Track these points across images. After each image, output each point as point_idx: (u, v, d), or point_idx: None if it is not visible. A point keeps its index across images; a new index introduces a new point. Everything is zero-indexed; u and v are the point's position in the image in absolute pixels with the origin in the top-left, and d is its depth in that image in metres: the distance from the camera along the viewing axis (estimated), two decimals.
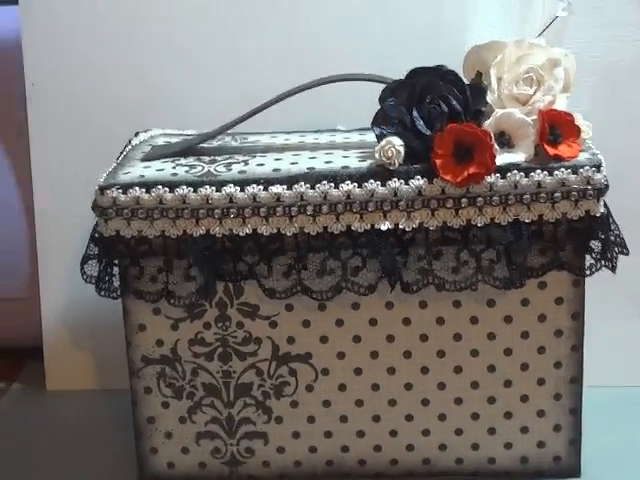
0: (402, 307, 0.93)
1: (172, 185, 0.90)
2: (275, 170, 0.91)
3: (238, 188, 0.89)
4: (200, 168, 0.93)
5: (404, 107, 0.90)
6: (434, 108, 0.89)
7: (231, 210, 0.89)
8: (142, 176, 0.92)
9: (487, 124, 0.89)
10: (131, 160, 0.97)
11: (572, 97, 0.93)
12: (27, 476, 1.04)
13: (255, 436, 0.97)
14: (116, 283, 0.94)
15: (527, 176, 0.88)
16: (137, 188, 0.90)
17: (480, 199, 0.88)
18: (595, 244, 0.91)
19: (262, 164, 0.92)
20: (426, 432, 0.96)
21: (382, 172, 0.89)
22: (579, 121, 0.91)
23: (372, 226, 0.89)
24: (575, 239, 0.90)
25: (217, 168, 0.92)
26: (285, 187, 0.89)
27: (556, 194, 0.88)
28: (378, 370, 0.95)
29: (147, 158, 0.97)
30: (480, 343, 0.94)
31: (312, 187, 0.89)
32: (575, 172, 0.88)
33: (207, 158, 0.95)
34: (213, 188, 0.90)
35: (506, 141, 0.90)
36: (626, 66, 1.07)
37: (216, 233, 0.90)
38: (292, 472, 0.99)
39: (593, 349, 0.99)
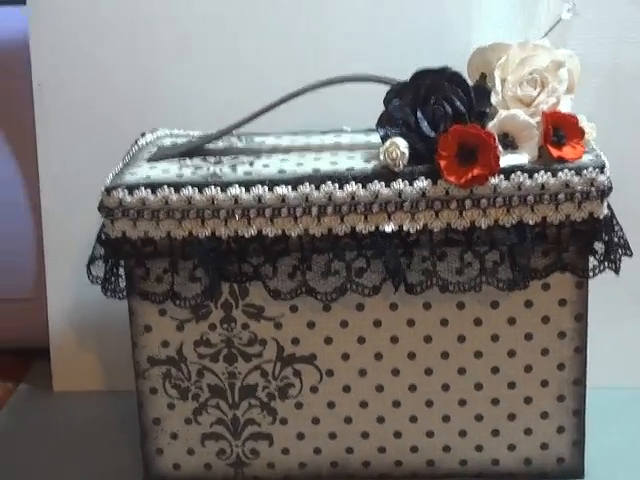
0: (406, 308, 0.93)
1: (178, 186, 0.90)
2: (280, 171, 0.91)
3: (243, 189, 0.90)
4: (206, 169, 0.93)
5: (408, 108, 0.91)
6: (438, 109, 0.90)
7: (236, 211, 0.90)
8: (148, 177, 0.92)
9: (491, 125, 0.89)
10: (137, 160, 0.97)
11: (577, 98, 0.93)
12: (33, 476, 1.04)
13: (260, 437, 0.98)
14: (122, 284, 0.95)
15: (531, 177, 0.88)
16: (143, 189, 0.91)
17: (484, 200, 0.89)
18: (598, 246, 0.91)
19: (267, 165, 0.93)
20: (430, 433, 0.97)
21: (386, 173, 0.89)
22: (583, 123, 0.91)
23: (376, 227, 0.90)
24: (578, 241, 0.90)
25: (222, 169, 0.93)
26: (290, 188, 0.89)
27: (560, 196, 0.88)
28: (382, 371, 0.95)
29: (153, 158, 0.97)
30: (484, 345, 0.94)
31: (317, 188, 0.89)
32: (579, 174, 0.88)
33: (213, 159, 0.96)
34: (218, 189, 0.90)
35: (510, 143, 0.90)
36: (631, 68, 1.07)
37: (221, 234, 0.91)
38: (297, 473, 0.99)
39: (597, 350, 0.99)
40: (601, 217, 0.89)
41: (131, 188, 0.91)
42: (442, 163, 0.88)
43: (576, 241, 0.90)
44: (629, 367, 1.14)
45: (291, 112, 0.99)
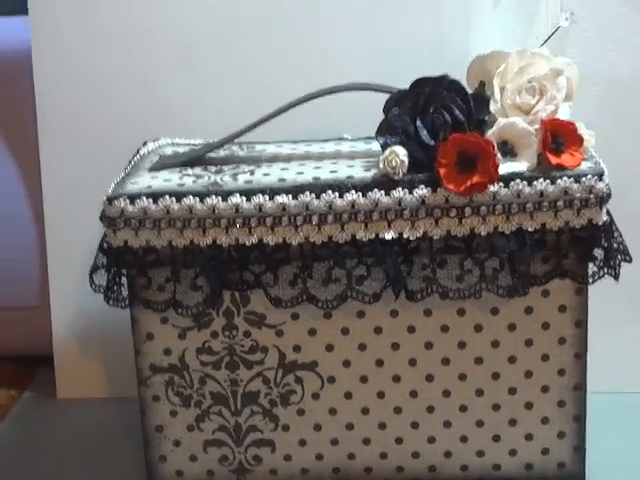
0: (407, 315, 0.94)
1: (179, 195, 0.91)
2: (281, 180, 0.92)
3: (244, 198, 0.90)
4: (207, 178, 0.94)
5: (408, 117, 0.91)
6: (438, 118, 0.90)
7: (237, 220, 0.91)
8: (149, 186, 0.93)
9: (490, 133, 0.90)
10: (139, 170, 0.98)
11: (575, 106, 0.94)
12: None
13: (262, 444, 0.98)
14: (124, 292, 0.95)
15: (530, 185, 0.89)
16: (145, 198, 0.91)
17: (483, 208, 0.89)
18: (598, 252, 0.91)
19: (268, 174, 0.93)
20: (431, 439, 0.97)
21: (386, 182, 0.90)
22: (582, 130, 0.92)
23: (377, 235, 0.90)
24: (578, 247, 0.91)
25: (223, 178, 0.93)
26: (291, 197, 0.90)
27: (559, 203, 0.89)
28: (383, 378, 0.96)
29: (155, 168, 0.98)
30: (484, 351, 0.94)
31: (317, 197, 0.90)
32: (577, 181, 0.89)
33: (214, 168, 0.96)
34: (219, 198, 0.91)
35: (509, 150, 0.90)
36: (629, 75, 1.07)
37: (222, 243, 0.91)
38: (299, 479, 0.99)
39: (597, 356, 0.99)
40: (600, 224, 0.90)
41: (133, 198, 0.91)
42: (441, 171, 0.89)
43: (575, 248, 0.91)
44: (629, 372, 1.14)
45: (292, 120, 0.99)
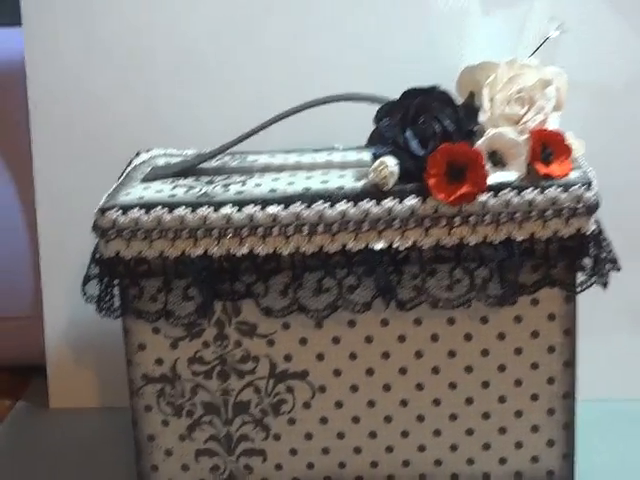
0: (397, 324, 0.95)
1: (171, 206, 0.91)
2: (272, 190, 0.92)
3: (235, 209, 0.91)
4: (198, 189, 0.94)
5: (398, 127, 0.92)
6: (427, 128, 0.91)
7: (228, 230, 0.91)
8: (141, 197, 0.93)
9: (479, 144, 0.91)
10: (131, 180, 0.99)
11: (565, 115, 0.94)
12: None
13: (253, 453, 0.99)
14: (116, 303, 0.96)
15: (519, 195, 0.89)
16: (136, 209, 0.92)
17: (473, 218, 0.90)
18: (587, 261, 0.92)
19: (259, 184, 0.94)
20: (422, 448, 0.97)
21: (376, 192, 0.90)
22: (570, 140, 0.92)
23: (367, 245, 0.91)
24: (567, 256, 0.91)
25: (215, 189, 0.94)
26: (281, 207, 0.91)
27: (547, 212, 0.89)
28: (374, 387, 0.96)
29: (147, 179, 0.98)
30: (474, 360, 0.95)
31: (308, 207, 0.90)
32: (566, 190, 0.89)
33: (206, 178, 0.97)
34: (211, 209, 0.91)
35: (498, 160, 0.91)
36: (619, 84, 1.08)
37: (214, 253, 0.92)
38: None
39: (586, 363, 1.00)
40: (588, 233, 0.91)
41: (125, 208, 0.92)
42: (431, 181, 0.89)
43: (564, 257, 0.91)
44: (618, 380, 1.15)
45: (284, 131, 1.00)
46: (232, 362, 0.96)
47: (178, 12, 1.14)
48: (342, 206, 0.90)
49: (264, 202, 0.91)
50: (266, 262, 0.92)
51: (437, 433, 0.97)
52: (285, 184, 0.93)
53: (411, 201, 0.90)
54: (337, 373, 0.96)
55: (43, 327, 1.21)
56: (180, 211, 0.91)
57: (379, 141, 0.92)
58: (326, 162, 1.00)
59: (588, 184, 0.90)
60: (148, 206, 0.92)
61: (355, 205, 0.90)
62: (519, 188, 0.90)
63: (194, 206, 0.91)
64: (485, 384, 0.96)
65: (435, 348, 0.95)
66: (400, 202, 0.90)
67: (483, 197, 0.89)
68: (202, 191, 0.94)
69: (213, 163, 1.02)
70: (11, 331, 1.25)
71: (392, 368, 0.96)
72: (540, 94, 0.92)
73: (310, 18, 1.13)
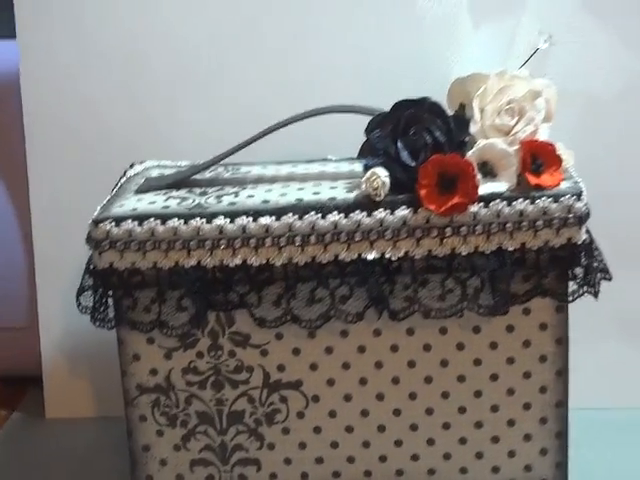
0: (390, 334, 0.95)
1: (164, 218, 0.92)
2: (264, 202, 0.93)
3: (228, 220, 0.91)
4: (191, 200, 0.95)
5: (389, 139, 0.92)
6: (418, 139, 0.91)
7: (221, 241, 0.92)
8: (135, 209, 0.94)
9: (470, 154, 0.91)
10: (125, 192, 0.99)
11: (555, 126, 0.95)
12: None
13: (248, 463, 0.99)
14: (111, 314, 0.96)
15: (509, 205, 0.90)
16: (130, 221, 0.92)
17: (464, 228, 0.90)
18: (578, 270, 0.92)
19: (252, 195, 0.94)
20: (415, 457, 0.98)
21: (368, 203, 0.91)
22: (561, 150, 0.93)
23: (359, 255, 0.91)
24: (558, 266, 0.92)
25: (208, 200, 0.95)
26: (274, 218, 0.91)
27: (538, 222, 0.90)
28: (367, 396, 0.97)
29: (141, 190, 0.99)
30: (467, 369, 0.95)
31: (300, 218, 0.91)
32: (556, 201, 0.90)
33: (198, 190, 0.98)
34: (204, 220, 0.92)
35: (489, 171, 0.92)
36: (608, 95, 1.09)
37: (207, 264, 0.92)
38: None
39: (578, 372, 1.01)
40: (579, 242, 0.91)
41: (118, 220, 0.92)
42: (422, 192, 0.90)
43: (555, 266, 0.92)
44: (610, 388, 1.16)
45: (278, 142, 1.01)
46: (226, 372, 0.97)
47: (173, 23, 1.15)
48: (334, 217, 0.91)
49: (257, 213, 0.91)
50: (259, 273, 0.92)
51: (430, 442, 0.98)
52: (277, 195, 0.94)
53: (403, 212, 0.90)
54: (330, 383, 0.96)
55: (38, 337, 1.21)
56: (173, 222, 0.92)
57: (370, 152, 0.93)
58: (318, 173, 1.01)
59: (578, 194, 0.90)
60: (141, 218, 0.92)
61: (347, 216, 0.91)
62: (510, 199, 0.90)
63: (187, 217, 0.92)
64: (478, 393, 0.96)
65: (428, 358, 0.95)
66: (392, 213, 0.91)
67: (474, 208, 0.90)
68: (195, 202, 0.94)
69: (206, 174, 1.03)
70: (6, 342, 1.26)
71: (385, 378, 0.96)
72: (530, 105, 0.93)
73: (304, 28, 1.14)
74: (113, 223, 0.92)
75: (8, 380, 1.29)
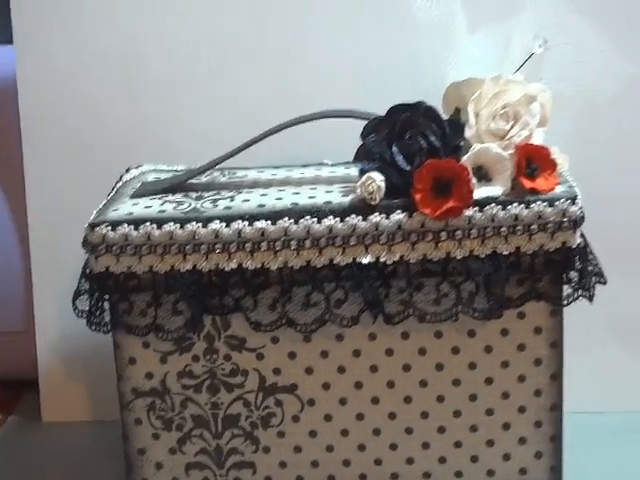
0: (385, 338, 0.95)
1: (160, 222, 0.92)
2: (260, 206, 0.93)
3: (224, 224, 0.92)
4: (187, 205, 0.95)
5: (385, 143, 0.93)
6: (413, 144, 0.92)
7: (217, 245, 0.92)
8: (131, 213, 0.94)
9: (465, 159, 0.91)
10: (121, 196, 0.99)
11: (550, 130, 0.95)
12: None
13: (243, 466, 0.99)
14: (107, 318, 0.96)
15: (504, 209, 0.90)
16: (126, 225, 0.92)
17: (459, 232, 0.91)
18: (572, 274, 0.93)
19: (248, 200, 0.95)
20: (410, 460, 0.98)
21: (363, 207, 0.91)
22: (555, 154, 0.93)
23: (354, 259, 0.91)
24: (552, 270, 0.92)
25: (204, 204, 0.95)
26: (269, 222, 0.91)
27: (533, 226, 0.90)
28: (362, 400, 0.97)
29: (137, 194, 0.99)
30: (461, 373, 0.96)
31: (296, 222, 0.91)
32: (551, 205, 0.90)
33: (194, 194, 0.98)
34: (200, 224, 0.92)
35: (484, 175, 0.92)
36: (604, 100, 1.09)
37: (203, 268, 0.92)
38: None
39: (573, 376, 1.01)
40: (574, 246, 0.91)
41: (114, 224, 0.93)
42: (417, 196, 0.90)
43: (550, 270, 0.92)
44: (605, 392, 1.16)
45: (274, 146, 1.01)
46: (221, 376, 0.97)
47: (171, 27, 1.15)
48: (329, 221, 0.91)
49: (252, 217, 0.92)
50: (255, 277, 0.93)
51: (425, 446, 0.98)
52: (273, 199, 0.94)
53: (398, 216, 0.91)
54: (326, 387, 0.97)
55: (35, 341, 1.21)
56: (169, 227, 0.92)
57: (366, 157, 0.93)
58: (314, 177, 1.01)
59: (573, 198, 0.91)
60: (137, 222, 0.92)
61: (342, 220, 0.91)
62: (505, 203, 0.90)
63: (183, 222, 0.92)
64: (472, 397, 0.96)
65: (423, 362, 0.96)
66: (387, 217, 0.91)
67: (469, 212, 0.90)
68: (191, 207, 0.94)
69: (202, 179, 1.03)
70: (2, 345, 1.26)
71: (380, 381, 0.96)
72: (525, 110, 0.93)
73: (303, 32, 1.14)
74: (109, 227, 0.93)
75: (4, 384, 1.29)
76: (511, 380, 0.96)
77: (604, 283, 0.95)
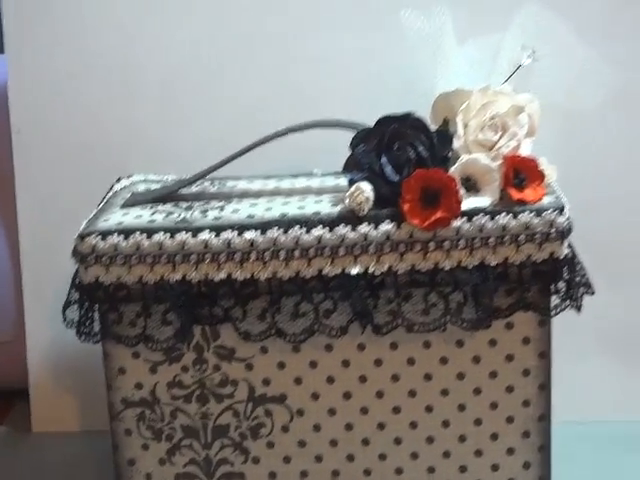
0: (373, 348, 0.95)
1: (149, 232, 0.92)
2: (249, 216, 0.93)
3: (213, 234, 0.92)
4: (177, 215, 0.95)
5: (373, 153, 0.93)
6: (402, 154, 0.92)
7: (206, 256, 0.92)
8: (120, 223, 0.94)
9: (453, 169, 0.92)
10: (111, 206, 1.00)
11: (538, 141, 0.96)
12: None
13: (233, 477, 0.99)
14: (96, 328, 0.96)
15: (492, 220, 0.91)
16: (115, 235, 0.93)
17: (447, 243, 0.91)
18: (560, 285, 0.93)
19: (237, 210, 0.95)
20: (399, 470, 0.98)
21: (352, 217, 0.91)
22: (543, 165, 0.94)
23: (343, 270, 0.92)
24: (540, 280, 0.92)
25: (193, 214, 0.95)
26: (259, 233, 0.92)
27: (520, 237, 0.91)
28: (351, 410, 0.97)
29: (127, 204, 1.00)
30: (450, 383, 0.96)
31: (285, 232, 0.92)
32: (539, 215, 0.91)
33: (184, 204, 0.98)
34: (189, 234, 0.92)
35: (472, 186, 0.92)
36: (592, 110, 1.09)
37: (192, 278, 0.92)
38: None
39: (561, 386, 1.01)
40: (561, 257, 0.92)
41: (104, 234, 0.93)
42: (406, 207, 0.90)
43: (538, 281, 0.92)
44: (593, 402, 1.16)
45: (265, 156, 1.01)
46: (211, 386, 0.97)
47: (164, 38, 1.16)
48: (318, 231, 0.91)
49: (241, 228, 0.92)
50: (244, 287, 0.93)
51: (414, 456, 0.98)
52: (262, 210, 0.94)
53: (386, 226, 0.91)
54: (315, 397, 0.97)
55: (25, 351, 1.22)
56: (159, 237, 0.92)
57: (355, 167, 0.93)
58: (304, 188, 1.01)
59: (560, 209, 0.91)
60: (127, 232, 0.93)
61: (331, 230, 0.91)
62: (492, 213, 0.91)
63: (172, 232, 0.92)
64: (461, 407, 0.96)
65: (411, 372, 0.96)
66: (375, 227, 0.91)
67: (457, 222, 0.90)
68: (181, 217, 0.95)
69: (193, 189, 1.03)
70: None
71: (369, 392, 0.96)
72: (513, 120, 0.94)
73: (293, 45, 1.15)
74: (99, 237, 0.93)
75: None
76: (499, 390, 0.96)
77: (592, 294, 0.95)
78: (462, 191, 0.91)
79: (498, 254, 0.91)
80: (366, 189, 0.91)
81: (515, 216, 0.91)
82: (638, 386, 1.17)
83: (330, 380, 0.96)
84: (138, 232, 0.92)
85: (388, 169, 0.92)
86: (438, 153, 0.92)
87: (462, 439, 0.97)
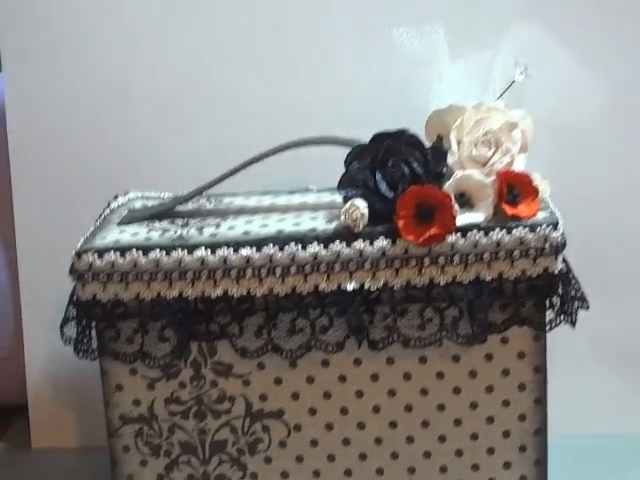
0: (370, 364, 0.96)
1: (146, 249, 0.93)
2: (245, 233, 0.94)
3: (209, 251, 0.92)
4: (173, 232, 0.96)
5: (368, 170, 0.94)
6: (396, 171, 0.93)
7: (203, 272, 0.93)
8: (117, 240, 0.95)
9: (447, 185, 0.92)
10: (108, 224, 1.00)
11: (531, 157, 0.96)
12: None
13: None
14: (94, 344, 0.97)
15: (486, 235, 0.91)
16: (112, 252, 0.93)
17: (442, 258, 0.91)
18: (555, 299, 0.94)
19: (233, 227, 0.96)
20: None
21: (347, 234, 0.92)
22: (537, 181, 0.94)
23: (339, 286, 0.92)
24: (535, 295, 0.93)
25: (190, 231, 0.96)
26: (255, 249, 0.92)
27: (515, 252, 0.91)
28: (348, 425, 0.97)
29: (123, 222, 1.00)
30: (446, 397, 0.96)
31: (281, 249, 0.92)
32: (533, 230, 0.91)
33: (180, 221, 0.99)
34: (185, 251, 0.93)
35: (466, 202, 0.93)
36: (585, 125, 1.10)
37: (189, 295, 0.93)
38: None
39: (556, 400, 1.01)
40: (556, 272, 0.92)
41: (101, 252, 0.93)
42: (400, 223, 0.91)
43: (532, 296, 0.93)
44: (588, 416, 1.17)
45: (261, 172, 1.01)
46: (208, 402, 0.98)
47: (159, 56, 1.16)
48: (314, 248, 0.92)
49: (237, 244, 0.92)
50: (240, 303, 0.93)
51: (411, 471, 0.98)
52: (258, 226, 0.95)
53: (381, 242, 0.92)
54: (312, 412, 0.97)
55: (24, 367, 1.22)
56: (155, 254, 0.93)
57: (349, 184, 0.94)
58: (299, 204, 1.02)
59: (554, 224, 0.92)
60: (124, 249, 0.93)
61: (326, 247, 0.92)
62: (487, 229, 0.91)
63: (169, 249, 0.93)
64: (457, 422, 0.97)
65: (408, 387, 0.96)
66: (371, 243, 0.92)
67: (452, 238, 0.91)
68: (177, 234, 0.95)
69: (189, 206, 1.04)
70: None
71: (366, 407, 0.97)
72: (506, 136, 0.94)
73: (287, 61, 1.15)
74: (96, 255, 0.93)
75: None
76: (495, 405, 0.96)
77: (587, 308, 0.96)
78: (456, 207, 0.91)
79: (493, 269, 0.92)
80: (361, 206, 0.92)
81: (509, 231, 0.91)
82: (635, 400, 1.18)
83: (327, 395, 0.97)
84: (135, 249, 0.93)
85: (383, 185, 0.93)
86: (432, 169, 0.93)
87: (459, 453, 0.98)
